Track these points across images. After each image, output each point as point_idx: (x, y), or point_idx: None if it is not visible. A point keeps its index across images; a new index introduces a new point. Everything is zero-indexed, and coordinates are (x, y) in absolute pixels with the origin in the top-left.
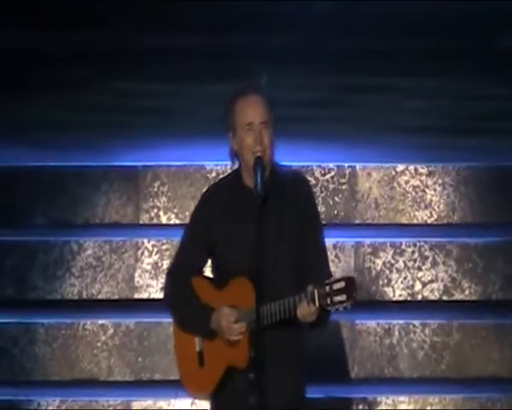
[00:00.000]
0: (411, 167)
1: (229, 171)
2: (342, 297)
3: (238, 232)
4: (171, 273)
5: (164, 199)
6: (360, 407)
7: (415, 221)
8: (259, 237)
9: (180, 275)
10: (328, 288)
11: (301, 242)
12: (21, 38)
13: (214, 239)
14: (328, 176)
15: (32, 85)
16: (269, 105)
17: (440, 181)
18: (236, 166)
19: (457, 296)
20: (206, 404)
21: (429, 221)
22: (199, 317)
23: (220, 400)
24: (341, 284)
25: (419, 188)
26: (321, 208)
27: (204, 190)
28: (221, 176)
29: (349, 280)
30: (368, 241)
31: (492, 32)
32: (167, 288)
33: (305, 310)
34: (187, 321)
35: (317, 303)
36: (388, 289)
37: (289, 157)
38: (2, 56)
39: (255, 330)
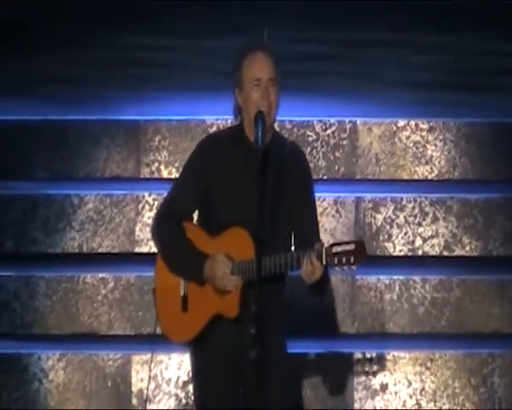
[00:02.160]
0: (412, 123)
1: (230, 125)
2: (350, 259)
3: (236, 184)
4: (163, 211)
5: (165, 153)
6: (360, 362)
7: (415, 177)
8: (260, 189)
9: (172, 214)
10: (335, 248)
11: (297, 207)
12: None
13: (210, 188)
14: (329, 131)
15: (35, 40)
16: (277, 64)
17: (441, 137)
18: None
19: (458, 252)
20: None
21: (430, 177)
22: (192, 261)
23: (203, 349)
24: (351, 247)
25: (420, 143)
26: (322, 163)
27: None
28: None
29: (359, 244)
30: (368, 196)
31: None
32: (159, 224)
33: (310, 266)
34: (178, 263)
35: (324, 261)
36: (389, 245)
37: (290, 112)
38: (5, 11)
39: (255, 283)
